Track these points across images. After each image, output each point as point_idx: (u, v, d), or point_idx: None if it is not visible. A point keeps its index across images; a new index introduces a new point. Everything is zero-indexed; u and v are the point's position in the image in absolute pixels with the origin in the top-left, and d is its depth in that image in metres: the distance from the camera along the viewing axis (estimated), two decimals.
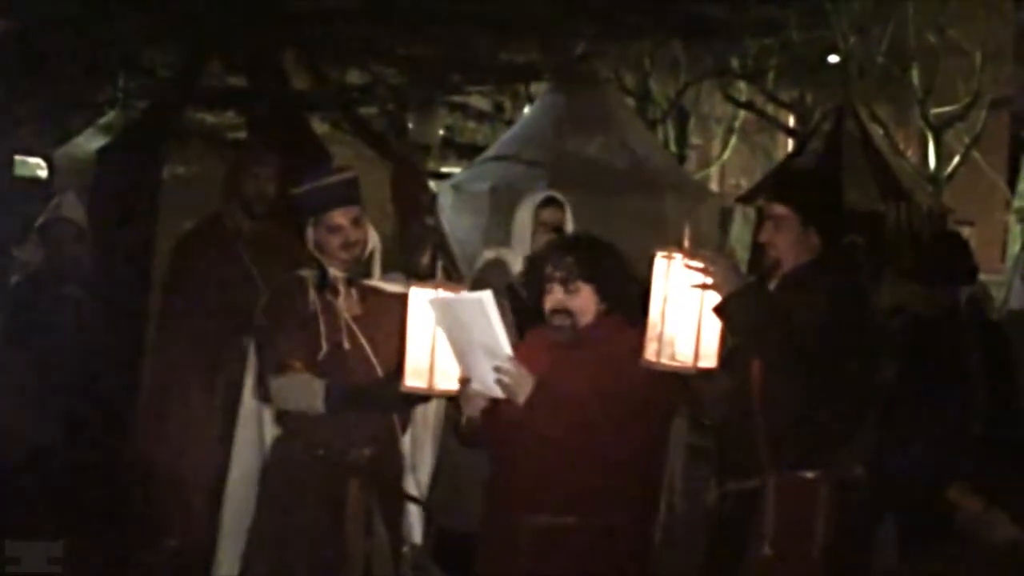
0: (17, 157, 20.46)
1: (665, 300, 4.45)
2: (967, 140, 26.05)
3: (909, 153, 27.10)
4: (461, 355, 4.54)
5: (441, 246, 8.26)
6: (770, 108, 29.02)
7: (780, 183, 5.47)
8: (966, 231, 15.62)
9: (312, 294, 5.14)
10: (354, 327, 5.15)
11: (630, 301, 4.80)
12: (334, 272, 5.15)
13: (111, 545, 6.71)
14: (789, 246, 4.86)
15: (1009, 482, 3.81)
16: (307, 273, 5.19)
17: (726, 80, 27.55)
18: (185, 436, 6.54)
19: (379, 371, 5.10)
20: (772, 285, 4.90)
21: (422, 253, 7.07)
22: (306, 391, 5.01)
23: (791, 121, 29.32)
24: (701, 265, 4.45)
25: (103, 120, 12.65)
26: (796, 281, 4.82)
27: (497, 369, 4.42)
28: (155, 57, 10.35)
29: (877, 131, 20.46)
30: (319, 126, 10.39)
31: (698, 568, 5.32)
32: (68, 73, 9.73)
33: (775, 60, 26.27)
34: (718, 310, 4.44)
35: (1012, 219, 24.69)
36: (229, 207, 6.71)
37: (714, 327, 4.47)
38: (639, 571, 4.80)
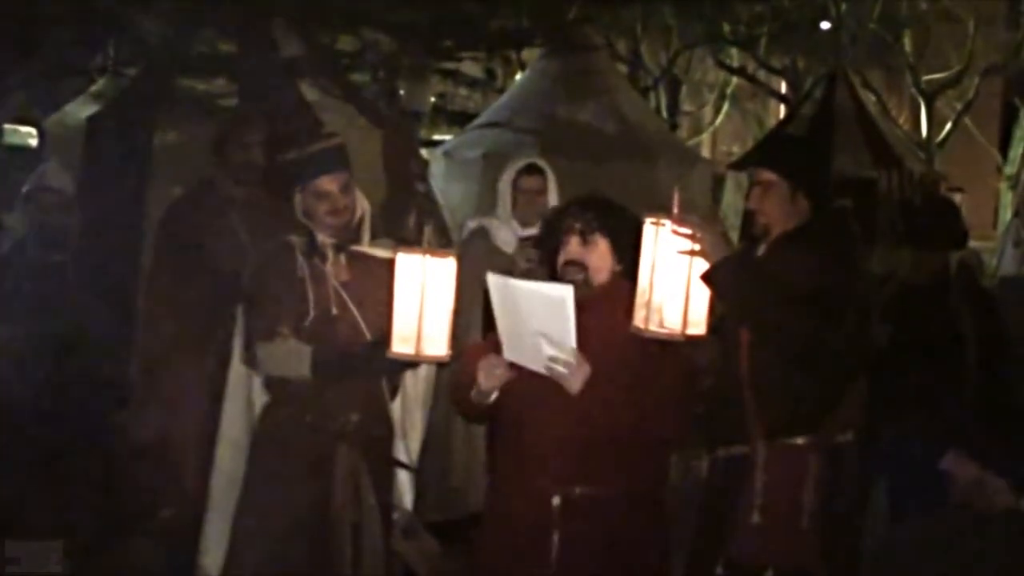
0: (8, 126, 20.38)
1: (653, 267, 4.44)
2: (959, 107, 26.03)
3: (901, 120, 27.06)
4: (511, 333, 4.52)
5: (432, 213, 8.25)
6: (762, 75, 28.95)
7: (768, 149, 5.46)
8: (958, 197, 15.63)
9: (300, 260, 5.17)
10: (342, 293, 5.18)
11: None
12: (322, 238, 5.18)
13: (105, 515, 6.70)
14: (778, 211, 4.86)
15: (1004, 449, 3.81)
16: (295, 239, 5.22)
17: (718, 46, 27.50)
18: (176, 404, 6.53)
19: (368, 336, 5.12)
20: (762, 250, 4.90)
21: (407, 218, 7.05)
22: (292, 357, 5.04)
23: (783, 88, 29.26)
24: (689, 232, 4.44)
25: (94, 88, 12.57)
26: (786, 246, 4.82)
27: (554, 359, 4.39)
28: (146, 24, 10.29)
29: (869, 98, 20.45)
30: (310, 93, 10.34)
31: (689, 536, 5.33)
32: (59, 41, 9.68)
33: (767, 26, 26.21)
34: (705, 277, 4.44)
35: (1004, 186, 24.75)
36: (219, 174, 6.69)
37: (703, 294, 4.47)
38: (661, 538, 4.80)
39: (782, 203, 4.85)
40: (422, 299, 4.58)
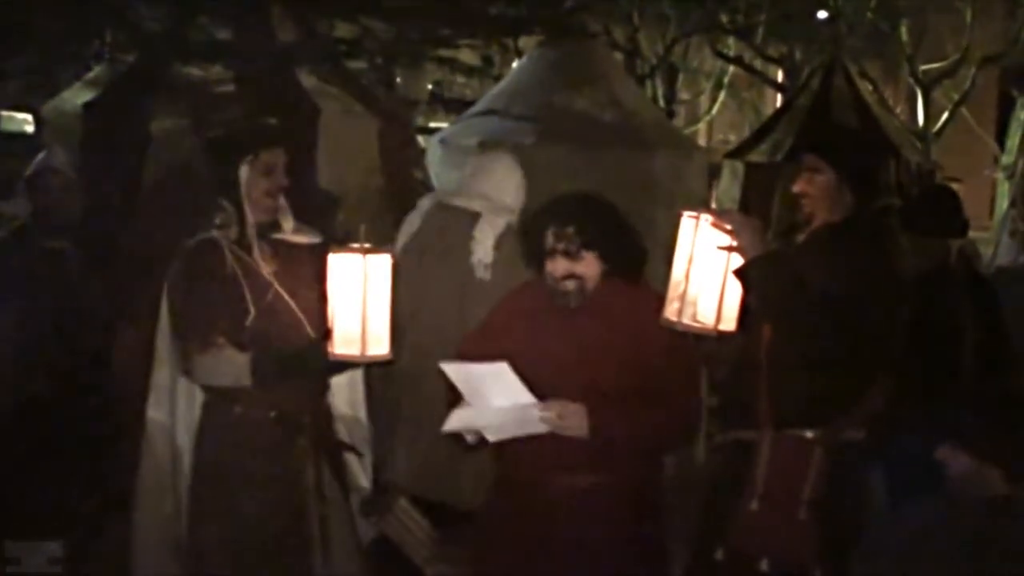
0: (4, 112, 20.38)
1: (690, 260, 4.44)
2: (956, 97, 25.97)
3: (898, 110, 26.99)
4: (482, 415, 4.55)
5: None
6: (759, 64, 28.91)
7: (821, 137, 5.44)
8: (954, 188, 15.62)
9: (229, 256, 4.94)
10: (276, 285, 4.98)
11: (631, 262, 4.78)
12: (248, 228, 4.98)
13: (98, 498, 6.70)
14: (823, 199, 4.85)
15: (999, 438, 3.80)
16: (217, 233, 4.98)
17: (715, 35, 27.46)
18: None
19: (308, 328, 4.97)
20: (800, 239, 4.90)
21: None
22: (231, 368, 4.85)
23: (780, 77, 29.23)
24: (729, 227, 4.45)
25: (90, 74, 12.59)
26: (825, 239, 4.81)
27: (546, 420, 4.45)
28: (142, 10, 10.29)
29: (866, 87, 20.37)
30: (307, 79, 10.33)
31: (690, 524, 5.33)
32: (55, 27, 9.68)
33: (764, 15, 26.19)
34: (739, 273, 4.44)
35: (1000, 176, 24.69)
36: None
37: (737, 290, 4.48)
38: (656, 526, 4.82)
39: (828, 191, 4.84)
40: (364, 299, 4.53)
